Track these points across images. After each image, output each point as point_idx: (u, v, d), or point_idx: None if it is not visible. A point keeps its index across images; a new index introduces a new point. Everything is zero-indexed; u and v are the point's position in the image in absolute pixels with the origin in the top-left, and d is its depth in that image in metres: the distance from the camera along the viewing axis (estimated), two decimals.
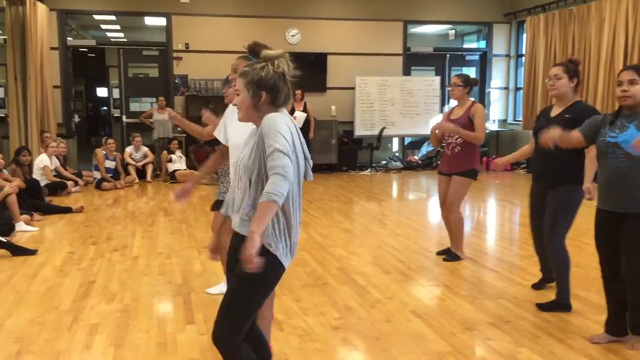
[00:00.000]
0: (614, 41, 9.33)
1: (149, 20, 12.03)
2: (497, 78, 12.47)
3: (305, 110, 10.51)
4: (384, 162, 11.85)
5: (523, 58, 11.81)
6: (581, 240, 5.61)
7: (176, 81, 11.07)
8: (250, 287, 2.30)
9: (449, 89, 5.23)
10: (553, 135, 3.31)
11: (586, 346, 3.28)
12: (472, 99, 5.13)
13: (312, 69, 11.31)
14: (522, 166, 11.32)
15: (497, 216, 7.52)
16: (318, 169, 10.43)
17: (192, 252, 5.40)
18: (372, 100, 11.61)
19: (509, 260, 5.15)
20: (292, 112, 10.52)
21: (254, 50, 2.75)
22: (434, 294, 4.26)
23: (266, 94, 2.31)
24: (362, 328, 3.57)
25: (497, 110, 12.56)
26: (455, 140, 4.97)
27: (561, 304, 3.87)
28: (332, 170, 11.20)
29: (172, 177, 9.93)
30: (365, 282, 4.47)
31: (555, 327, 3.56)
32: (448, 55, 12.57)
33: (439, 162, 5.03)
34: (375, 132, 11.43)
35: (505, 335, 3.45)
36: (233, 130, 3.22)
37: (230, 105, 3.27)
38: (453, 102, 5.29)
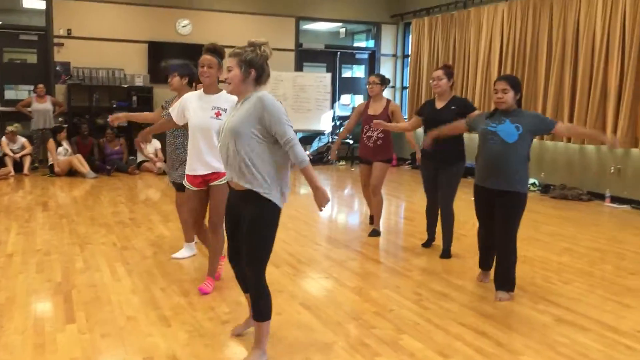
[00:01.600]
0: (490, 45, 9.97)
1: (27, 3, 11.26)
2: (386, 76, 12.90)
3: None
4: None
5: (409, 58, 12.32)
6: (460, 232, 5.96)
7: (57, 68, 10.46)
8: (262, 232, 2.89)
9: (368, 86, 5.90)
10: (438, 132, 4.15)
11: (462, 331, 3.51)
12: (386, 97, 5.91)
13: None
14: (407, 162, 11.81)
15: (384, 210, 7.79)
16: None
17: (74, 248, 5.16)
18: (283, 95, 11.60)
19: (393, 252, 5.37)
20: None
21: (216, 50, 3.96)
22: (323, 286, 4.37)
23: (254, 71, 2.91)
24: (252, 322, 3.59)
25: None
26: (377, 134, 5.69)
27: (447, 251, 5.12)
28: None
29: (51, 169, 9.42)
30: None
31: (433, 314, 3.78)
32: (339, 53, 12.83)
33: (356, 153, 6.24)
34: None
35: (388, 323, 3.61)
36: (193, 113, 3.97)
37: (189, 93, 4.12)
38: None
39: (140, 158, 10.18)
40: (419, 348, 3.26)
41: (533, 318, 3.76)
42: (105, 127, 10.28)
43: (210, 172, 4.05)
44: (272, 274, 4.55)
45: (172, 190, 8.44)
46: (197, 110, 3.98)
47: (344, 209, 7.45)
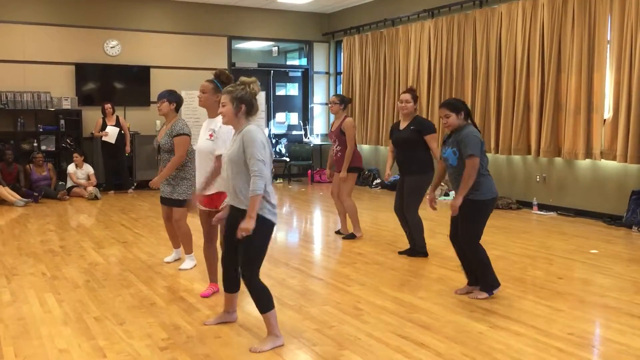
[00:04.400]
0: (419, 61, 10.27)
1: None
2: (319, 94, 13.06)
3: (118, 124, 10.10)
4: None
5: (341, 75, 12.51)
6: (397, 245, 6.06)
7: None
8: (255, 242, 3.38)
9: (329, 105, 6.62)
10: (454, 206, 4.34)
11: (402, 344, 3.56)
12: (346, 114, 6.50)
13: (134, 83, 10.92)
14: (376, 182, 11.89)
15: (322, 226, 7.85)
16: (144, 185, 10.06)
17: (0, 280, 4.92)
18: (198, 114, 11.49)
19: (332, 268, 5.40)
20: (103, 127, 10.04)
21: (219, 78, 4.29)
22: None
23: (244, 107, 3.45)
24: (192, 346, 3.53)
25: (320, 125, 13.13)
26: (336, 148, 6.44)
27: (420, 252, 5.63)
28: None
29: None
30: (194, 300, 4.42)
31: (373, 328, 3.81)
32: (272, 72, 12.89)
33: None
34: None
35: (329, 340, 3.62)
36: (199, 137, 4.35)
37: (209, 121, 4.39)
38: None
39: (69, 183, 9.84)
40: None
41: (469, 326, 3.85)
42: (32, 152, 9.91)
43: (213, 192, 4.23)
44: (212, 296, 4.48)
45: (107, 215, 8.25)
46: (201, 133, 4.36)
47: (283, 227, 7.44)
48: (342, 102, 6.47)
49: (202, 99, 4.32)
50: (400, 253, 5.78)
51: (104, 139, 10.00)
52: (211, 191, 4.22)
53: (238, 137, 3.43)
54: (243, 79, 3.53)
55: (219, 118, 4.11)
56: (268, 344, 3.47)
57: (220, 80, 4.30)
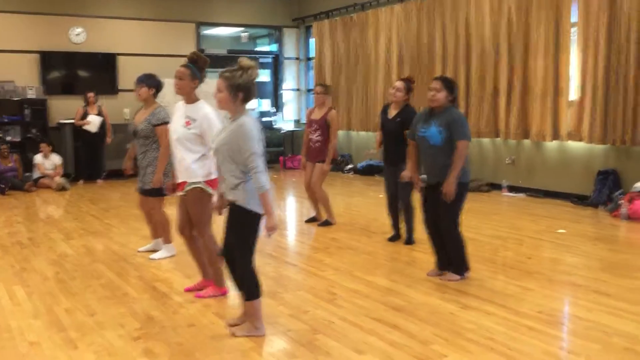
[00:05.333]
0: (389, 46, 10.28)
1: None
2: (289, 80, 12.99)
3: (100, 113, 9.94)
4: None
5: (312, 61, 12.46)
6: (370, 230, 6.10)
7: None
8: (248, 232, 3.35)
9: (315, 95, 6.43)
10: (450, 191, 4.29)
11: (375, 327, 3.59)
12: (330, 106, 6.41)
13: (100, 70, 10.73)
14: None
15: (296, 213, 7.85)
16: (114, 174, 9.92)
17: None
18: (167, 102, 11.31)
19: (306, 254, 5.42)
20: (84, 116, 9.87)
21: (196, 63, 4.07)
22: (237, 293, 4.31)
23: (242, 94, 3.29)
24: (165, 336, 3.51)
25: (291, 111, 13.08)
26: (316, 137, 6.30)
27: (409, 238, 5.56)
28: (131, 176, 10.71)
29: None
30: (167, 289, 4.39)
31: (347, 312, 3.84)
32: None
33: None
34: None
35: (304, 325, 3.63)
36: (172, 122, 4.18)
37: (179, 102, 4.15)
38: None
39: (37, 174, 9.65)
40: (335, 346, 3.31)
41: (441, 307, 3.91)
42: None
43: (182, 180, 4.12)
44: (185, 283, 4.46)
45: (76, 205, 8.11)
46: (175, 119, 4.15)
47: None
48: (328, 92, 6.39)
49: (179, 85, 4.04)
50: (390, 240, 5.72)
51: (85, 127, 9.81)
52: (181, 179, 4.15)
53: (232, 126, 3.31)
54: (242, 62, 3.32)
55: (199, 105, 4.07)
56: (245, 331, 3.46)
57: (197, 65, 4.07)
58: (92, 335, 3.51)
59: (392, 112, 5.55)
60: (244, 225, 3.34)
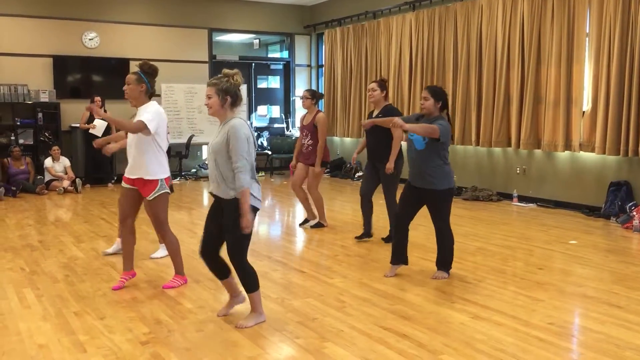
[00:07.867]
0: (400, 54, 10.28)
1: None
2: (300, 87, 13.01)
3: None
4: (193, 170, 11.72)
5: (323, 68, 12.48)
6: (379, 237, 6.07)
7: None
8: (240, 229, 3.51)
9: (302, 100, 6.70)
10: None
11: (384, 335, 3.57)
12: (318, 109, 6.67)
13: (113, 75, 10.76)
14: (326, 170, 11.90)
15: (304, 219, 7.82)
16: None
17: None
18: (179, 107, 11.41)
19: (315, 261, 5.40)
20: (90, 120, 9.93)
21: (142, 68, 4.41)
22: (245, 299, 4.31)
23: (230, 98, 3.57)
24: (173, 340, 3.51)
25: None
26: (308, 142, 6.58)
27: (390, 237, 5.54)
28: None
29: None
30: (175, 293, 4.39)
31: (356, 320, 3.82)
32: (253, 64, 12.82)
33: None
34: (184, 140, 11.26)
35: (312, 332, 3.62)
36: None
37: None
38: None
39: (47, 177, 9.71)
40: (343, 355, 3.29)
41: (451, 317, 3.88)
42: (9, 146, 9.75)
43: (135, 177, 4.49)
44: (194, 289, 4.47)
45: (87, 209, 8.16)
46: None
47: (265, 220, 7.42)
48: (314, 97, 6.64)
49: (127, 90, 4.39)
50: (357, 238, 6.08)
51: (91, 131, 9.86)
52: (131, 176, 4.51)
53: (223, 129, 3.56)
54: (225, 70, 3.63)
55: (148, 107, 4.41)
56: (252, 320, 3.72)
57: (143, 70, 4.40)
58: (100, 339, 3.52)
59: (375, 113, 5.87)
60: (237, 220, 3.49)
